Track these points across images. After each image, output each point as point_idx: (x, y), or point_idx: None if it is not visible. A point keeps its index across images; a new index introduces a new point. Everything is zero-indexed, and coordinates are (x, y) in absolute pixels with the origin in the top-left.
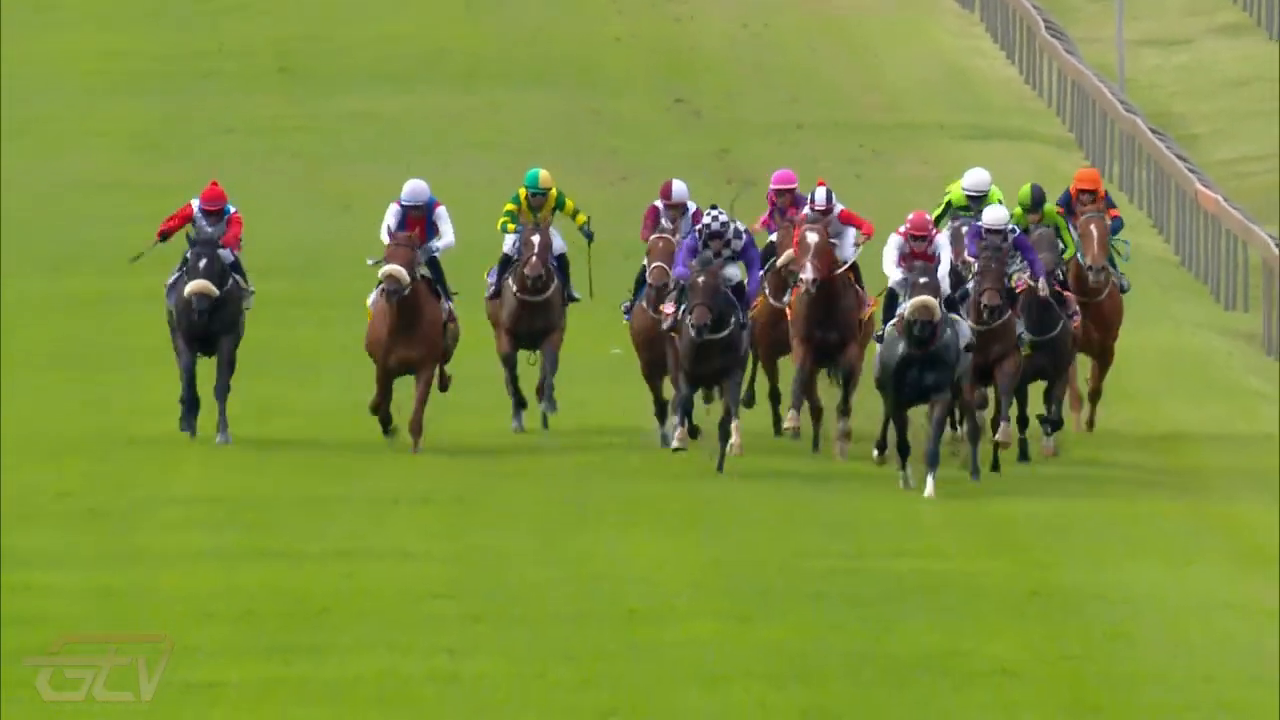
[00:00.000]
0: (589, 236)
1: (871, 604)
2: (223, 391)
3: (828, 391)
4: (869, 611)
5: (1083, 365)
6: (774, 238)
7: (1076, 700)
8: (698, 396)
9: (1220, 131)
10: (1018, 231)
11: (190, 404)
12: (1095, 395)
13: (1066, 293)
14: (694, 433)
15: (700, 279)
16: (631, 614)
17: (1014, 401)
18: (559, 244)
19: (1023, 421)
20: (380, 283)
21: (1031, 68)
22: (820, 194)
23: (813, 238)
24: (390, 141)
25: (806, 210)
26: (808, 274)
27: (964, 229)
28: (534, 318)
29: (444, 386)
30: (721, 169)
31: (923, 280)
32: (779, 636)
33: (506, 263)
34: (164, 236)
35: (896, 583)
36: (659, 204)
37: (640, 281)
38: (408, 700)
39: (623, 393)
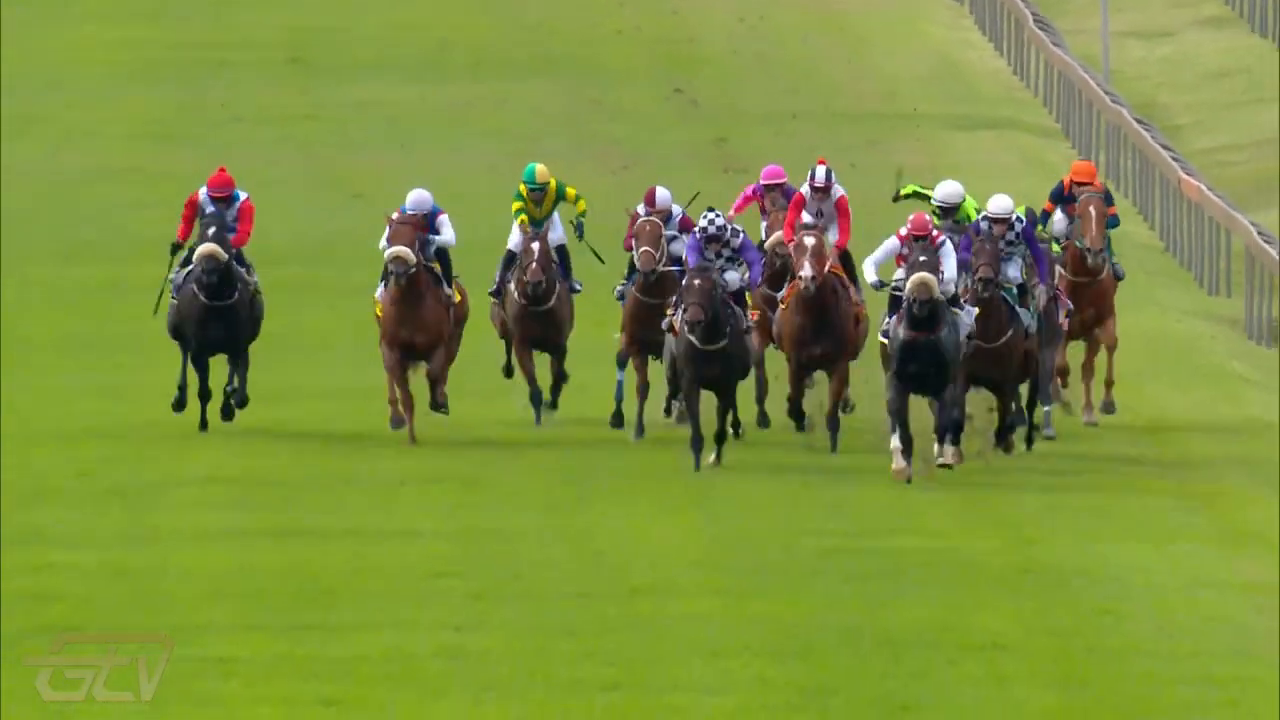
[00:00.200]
0: (579, 230)
1: (868, 580)
2: (240, 378)
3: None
4: (865, 587)
5: (1081, 365)
6: (766, 227)
7: (1066, 673)
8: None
9: (1203, 122)
10: (1024, 223)
11: (201, 397)
12: (1110, 382)
13: (1062, 296)
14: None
15: (696, 281)
16: (633, 590)
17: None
18: (557, 235)
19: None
20: (386, 270)
21: (1019, 59)
22: (820, 172)
23: (810, 240)
24: (399, 130)
25: (805, 188)
26: (806, 272)
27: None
28: (545, 328)
29: (438, 406)
30: (719, 157)
31: (922, 259)
32: (777, 612)
33: (511, 259)
34: (179, 244)
35: (892, 560)
36: (641, 209)
37: (632, 266)
38: (415, 676)
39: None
